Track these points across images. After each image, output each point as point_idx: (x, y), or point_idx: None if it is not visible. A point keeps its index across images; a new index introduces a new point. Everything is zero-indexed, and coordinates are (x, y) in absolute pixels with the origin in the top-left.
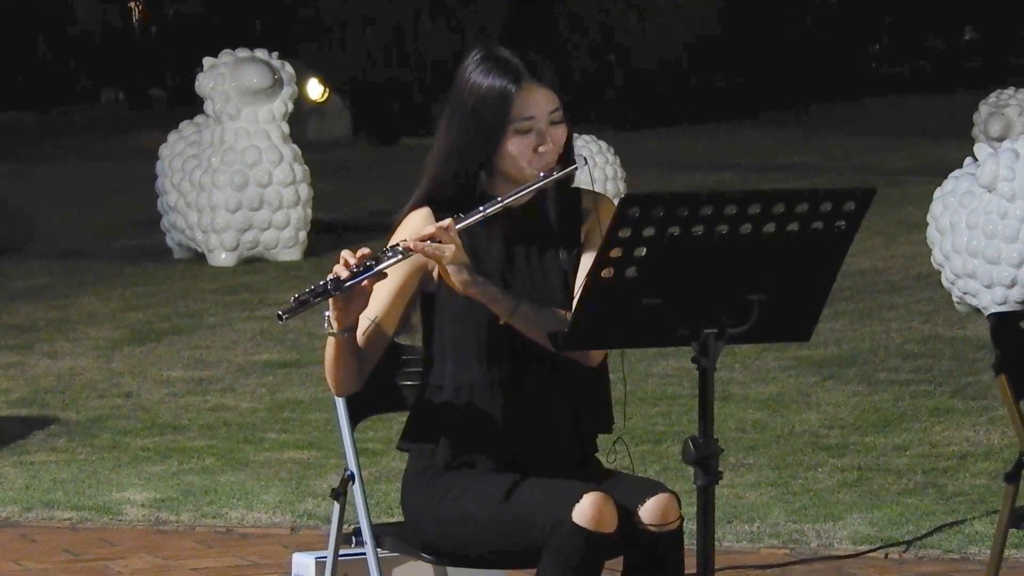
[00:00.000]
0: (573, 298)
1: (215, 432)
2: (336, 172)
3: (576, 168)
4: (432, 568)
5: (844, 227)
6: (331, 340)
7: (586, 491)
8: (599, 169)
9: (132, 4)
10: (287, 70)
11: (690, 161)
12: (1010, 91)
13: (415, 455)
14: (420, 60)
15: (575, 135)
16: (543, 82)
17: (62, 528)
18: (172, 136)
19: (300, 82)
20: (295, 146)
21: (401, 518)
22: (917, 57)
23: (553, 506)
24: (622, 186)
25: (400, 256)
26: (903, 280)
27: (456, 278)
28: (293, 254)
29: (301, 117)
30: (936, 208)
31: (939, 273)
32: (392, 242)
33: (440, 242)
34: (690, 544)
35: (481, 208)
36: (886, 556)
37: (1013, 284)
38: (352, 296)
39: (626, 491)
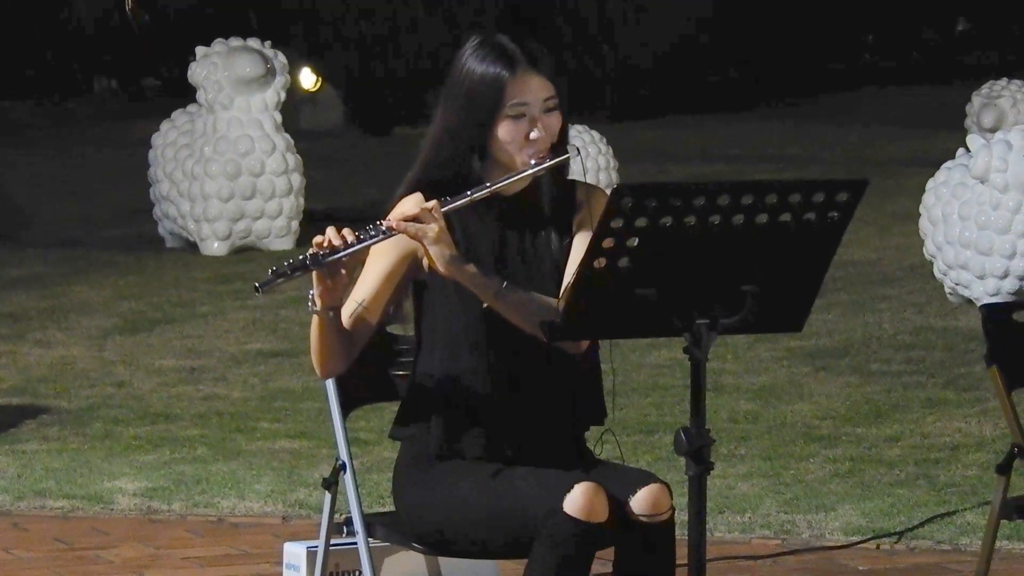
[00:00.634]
0: (563, 287)
1: (207, 421)
2: (329, 161)
3: (568, 157)
4: (423, 558)
5: (837, 218)
6: (315, 319)
7: (578, 481)
8: (591, 159)
9: None
10: (280, 59)
11: (683, 152)
12: (1003, 82)
13: (407, 444)
14: (413, 51)
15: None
16: (539, 70)
17: (54, 517)
18: (165, 125)
19: (293, 71)
20: (288, 135)
21: (392, 508)
22: (910, 48)
23: (545, 496)
24: (615, 176)
25: (383, 235)
26: (895, 271)
27: (439, 259)
28: (285, 243)
29: (294, 106)
30: (928, 199)
31: (931, 264)
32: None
33: (423, 223)
34: (681, 535)
35: (469, 192)
36: (878, 547)
37: (1005, 275)
38: (335, 273)
39: (618, 481)
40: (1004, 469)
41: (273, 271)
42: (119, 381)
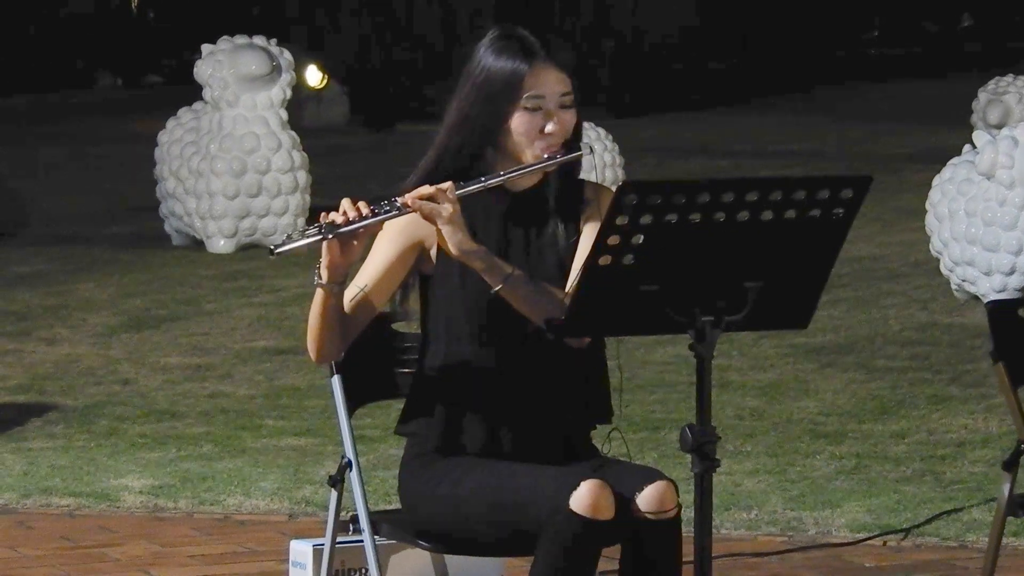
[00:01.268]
0: (568, 283)
1: (213, 419)
2: (334, 158)
3: (581, 154)
4: (429, 555)
5: (841, 214)
6: (318, 294)
7: (583, 478)
8: (597, 156)
9: None
10: (285, 57)
11: (687, 148)
12: (1009, 78)
13: (411, 441)
14: (414, 45)
15: None
16: (557, 64)
17: (59, 515)
18: (170, 123)
19: (298, 68)
20: (293, 133)
21: (398, 505)
22: (914, 43)
23: (550, 493)
24: (620, 173)
25: (397, 211)
26: (901, 267)
27: (452, 240)
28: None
29: (299, 103)
30: (935, 195)
31: (937, 260)
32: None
33: (438, 203)
34: (687, 532)
35: (483, 178)
36: (884, 543)
37: (1012, 271)
38: (347, 245)
39: (623, 478)
40: (1010, 465)
41: (290, 235)
42: (125, 379)
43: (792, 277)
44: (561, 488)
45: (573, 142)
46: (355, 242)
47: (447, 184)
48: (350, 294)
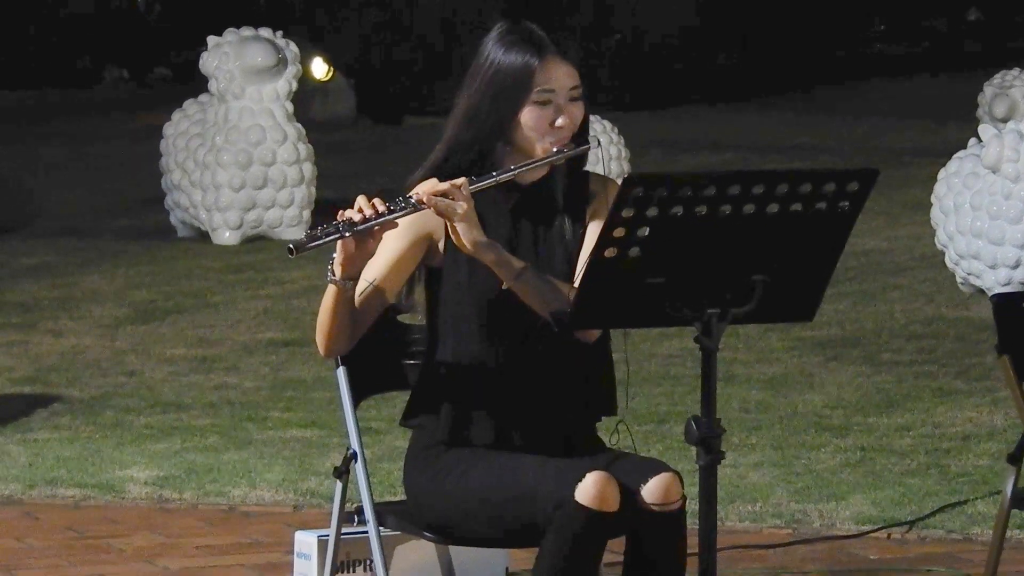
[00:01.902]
0: (575, 276)
1: (218, 411)
2: (340, 151)
3: (589, 148)
4: (434, 547)
5: (847, 208)
6: (330, 290)
7: (589, 470)
8: (603, 149)
9: None
10: (291, 49)
11: (693, 142)
12: (1015, 72)
13: (417, 433)
14: (419, 39)
15: None
16: (567, 58)
17: (65, 506)
18: (176, 115)
19: (305, 61)
20: (299, 125)
21: (403, 497)
22: (920, 38)
23: (556, 485)
24: (626, 166)
25: (412, 208)
26: (907, 261)
27: (466, 236)
28: (297, 233)
29: (305, 96)
30: (940, 189)
31: (943, 254)
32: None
33: (453, 199)
34: (692, 524)
35: (495, 173)
36: (889, 536)
37: (1017, 265)
38: (363, 242)
39: (629, 471)
40: (1015, 458)
41: (309, 234)
42: (130, 370)
43: (798, 270)
44: (567, 480)
45: (581, 135)
46: (371, 240)
47: (461, 180)
48: (360, 288)
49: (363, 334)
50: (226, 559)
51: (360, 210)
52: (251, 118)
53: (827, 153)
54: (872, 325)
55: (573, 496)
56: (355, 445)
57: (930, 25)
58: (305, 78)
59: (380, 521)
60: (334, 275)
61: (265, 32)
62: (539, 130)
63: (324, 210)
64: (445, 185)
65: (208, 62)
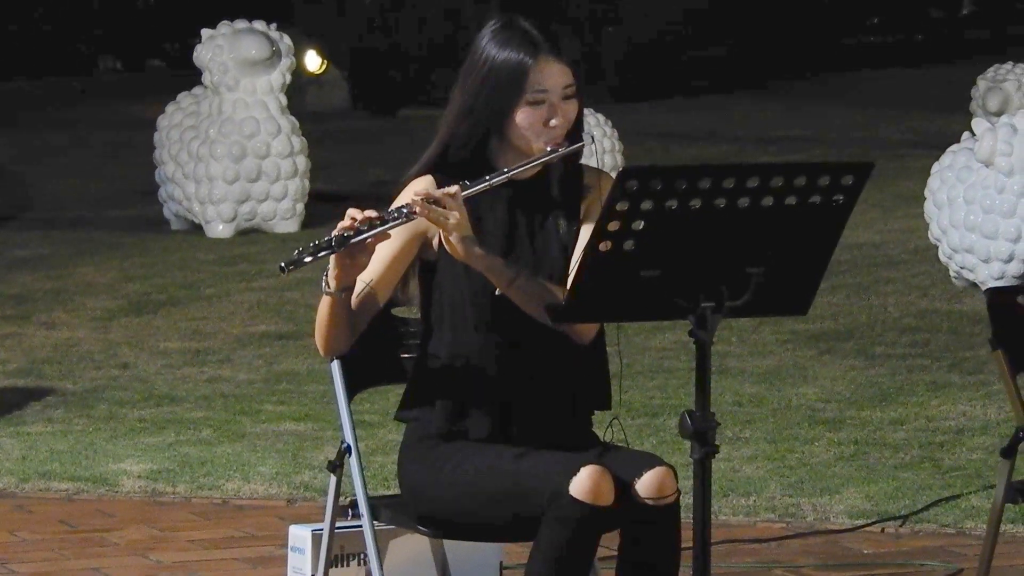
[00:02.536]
0: (570, 270)
1: (212, 403)
2: (334, 143)
3: (583, 145)
4: (428, 540)
5: (842, 201)
6: (325, 299)
7: (584, 464)
8: (596, 142)
9: None
10: (285, 41)
11: (688, 134)
12: (1008, 65)
13: (412, 426)
14: (417, 30)
15: None
16: (561, 56)
17: (58, 499)
18: (170, 107)
19: (298, 53)
20: (293, 117)
21: (398, 491)
22: (915, 29)
23: (550, 478)
24: (620, 159)
25: (405, 218)
26: (900, 254)
27: (458, 246)
28: (290, 226)
29: (299, 88)
30: (934, 182)
31: (936, 247)
32: (395, 205)
33: (445, 208)
34: (686, 518)
35: (488, 177)
36: (882, 530)
37: (1010, 259)
38: (355, 255)
39: (623, 464)
40: (1009, 452)
41: (300, 251)
42: (124, 363)
43: (792, 263)
44: (561, 473)
45: (575, 131)
46: (364, 253)
47: (454, 188)
48: (356, 289)
49: (362, 331)
50: (219, 553)
51: (352, 220)
52: (245, 110)
53: (822, 145)
54: (865, 319)
55: (567, 489)
56: (349, 438)
57: (926, 16)
58: (298, 70)
59: (374, 515)
60: (328, 287)
61: (259, 24)
62: (533, 130)
63: (317, 202)
64: (438, 193)
65: (202, 54)
